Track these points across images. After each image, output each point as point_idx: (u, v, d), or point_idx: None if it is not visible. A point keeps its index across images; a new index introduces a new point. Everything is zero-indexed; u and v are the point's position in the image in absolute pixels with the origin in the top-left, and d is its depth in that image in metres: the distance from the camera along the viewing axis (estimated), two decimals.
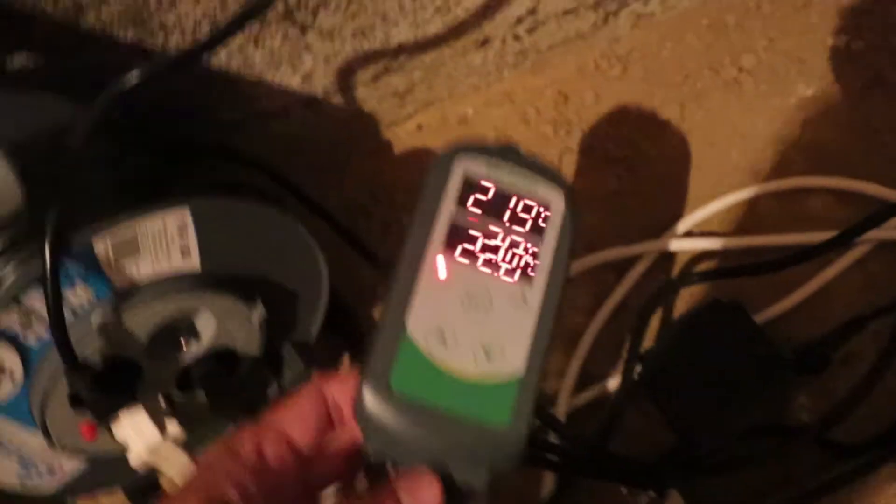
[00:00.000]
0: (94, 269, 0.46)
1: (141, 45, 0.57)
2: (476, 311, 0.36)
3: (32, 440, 0.53)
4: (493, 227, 0.37)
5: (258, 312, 0.54)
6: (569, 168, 0.71)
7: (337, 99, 0.69)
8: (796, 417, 0.61)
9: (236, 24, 0.42)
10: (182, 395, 0.56)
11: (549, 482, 0.61)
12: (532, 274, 0.37)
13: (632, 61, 0.72)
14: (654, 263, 0.67)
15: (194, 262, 0.50)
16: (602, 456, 0.58)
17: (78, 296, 0.47)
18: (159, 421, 0.53)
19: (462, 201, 0.37)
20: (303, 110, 0.69)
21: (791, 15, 0.71)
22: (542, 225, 0.38)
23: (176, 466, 0.55)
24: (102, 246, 0.46)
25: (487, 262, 0.37)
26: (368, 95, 0.70)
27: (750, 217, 0.66)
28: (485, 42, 0.69)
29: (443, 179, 0.38)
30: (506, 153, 0.39)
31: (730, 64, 0.70)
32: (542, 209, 0.38)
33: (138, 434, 0.53)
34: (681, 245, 0.66)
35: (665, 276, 0.66)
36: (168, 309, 0.49)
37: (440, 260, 0.36)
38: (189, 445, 0.58)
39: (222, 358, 0.55)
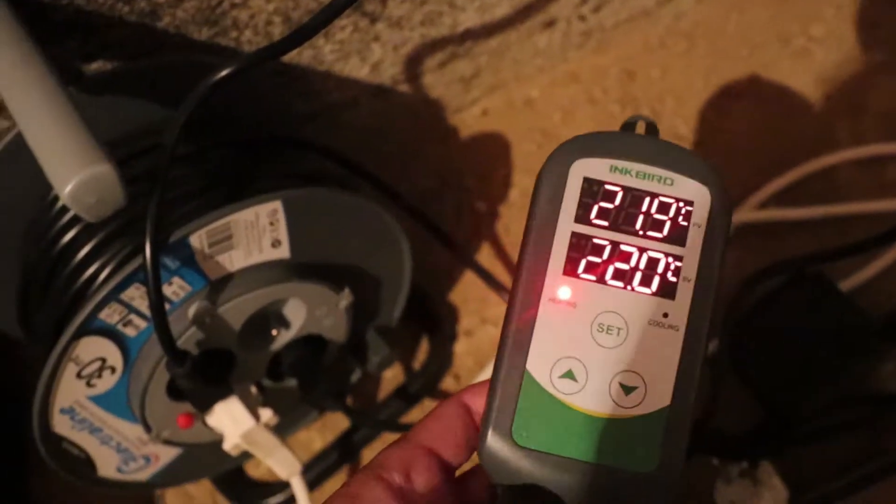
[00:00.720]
0: (189, 262, 0.47)
1: (215, 44, 0.58)
2: (609, 337, 0.31)
3: (130, 430, 0.55)
4: (623, 237, 0.32)
5: (346, 299, 0.54)
6: None
7: (404, 87, 0.70)
8: (885, 386, 0.61)
9: (323, 18, 0.42)
10: (272, 383, 0.58)
11: None
12: (675, 286, 0.31)
13: (697, 36, 0.72)
14: (733, 236, 0.67)
15: (285, 251, 0.51)
16: (702, 432, 0.58)
17: (174, 289, 0.48)
18: (252, 408, 0.55)
19: (584, 209, 0.32)
20: (371, 100, 0.70)
21: None
22: (685, 225, 0.32)
23: (268, 450, 0.56)
24: (198, 239, 0.47)
25: (619, 276, 0.31)
26: (435, 82, 0.71)
27: (828, 186, 0.66)
28: (550, 23, 0.69)
29: (558, 187, 0.32)
30: (634, 142, 0.32)
31: (798, 33, 0.69)
32: (683, 206, 0.32)
33: (233, 421, 0.54)
34: (756, 216, 0.66)
35: (744, 250, 0.66)
36: (261, 299, 0.50)
37: (561, 282, 0.31)
38: (280, 430, 0.59)
39: (310, 344, 0.57)
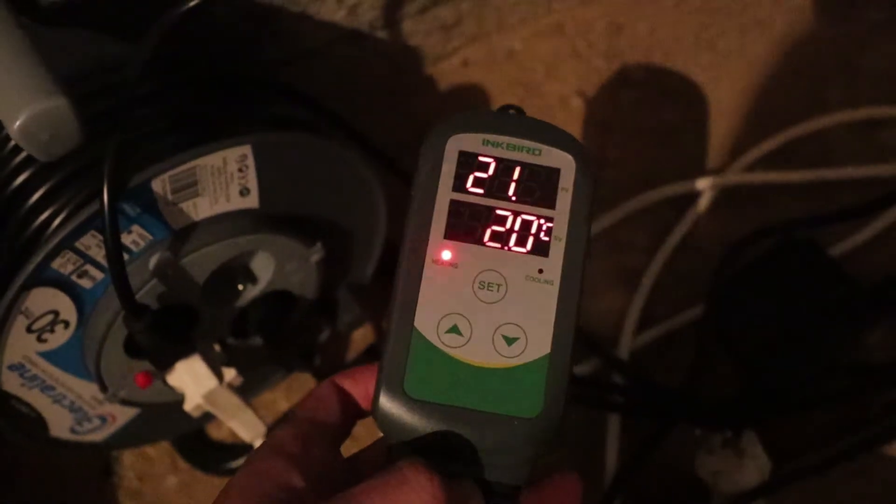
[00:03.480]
0: (151, 209, 0.44)
1: None
2: (490, 293, 0.33)
3: (85, 389, 0.51)
4: (498, 202, 0.34)
5: (317, 253, 0.51)
6: (623, 102, 0.68)
7: (382, 34, 0.66)
8: (871, 356, 0.59)
9: None
10: (237, 341, 0.54)
11: (614, 425, 0.59)
12: (548, 245, 0.34)
13: None
14: (717, 199, 0.64)
15: (253, 201, 0.48)
16: (684, 399, 0.56)
17: (134, 238, 0.45)
18: (214, 367, 0.52)
19: (461, 179, 0.34)
20: (346, 46, 0.66)
21: None
22: (553, 189, 0.34)
23: (231, 411, 0.53)
24: (160, 185, 0.43)
25: (496, 237, 0.34)
26: (414, 29, 0.67)
27: (818, 149, 0.64)
28: None
29: (437, 160, 0.34)
30: (504, 119, 0.35)
31: None
32: (551, 175, 0.34)
33: (194, 381, 0.51)
34: (744, 179, 0.64)
35: (730, 214, 0.64)
36: (227, 251, 0.47)
37: (443, 245, 0.34)
38: (244, 391, 0.56)
39: (278, 301, 0.54)
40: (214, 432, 0.66)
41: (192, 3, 0.40)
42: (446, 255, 0.34)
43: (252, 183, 0.47)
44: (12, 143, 0.47)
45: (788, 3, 0.67)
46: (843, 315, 0.57)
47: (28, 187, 0.46)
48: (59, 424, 0.52)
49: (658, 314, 0.64)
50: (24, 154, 0.47)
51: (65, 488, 0.69)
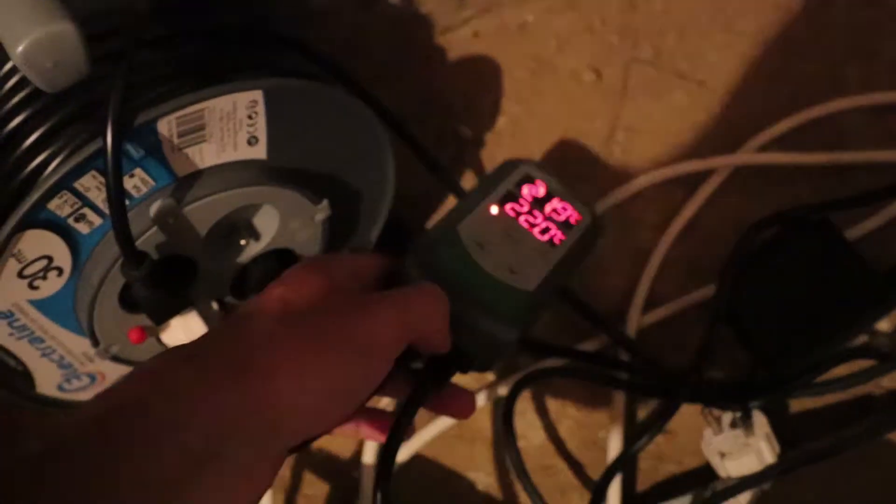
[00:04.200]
0: (155, 152, 0.42)
1: None
2: (511, 243, 0.49)
3: (76, 344, 0.50)
4: (536, 208, 0.52)
5: (323, 211, 0.50)
6: (636, 80, 0.67)
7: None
8: (878, 342, 0.58)
9: None
10: (236, 300, 0.53)
11: (618, 402, 0.58)
12: (556, 245, 0.50)
13: None
14: (728, 179, 0.63)
15: (261, 151, 0.46)
16: (691, 378, 0.54)
17: (136, 182, 0.43)
18: (212, 325, 0.50)
19: (519, 185, 0.52)
20: (357, 10, 0.65)
21: None
22: (572, 224, 0.52)
23: None
24: (167, 127, 0.41)
25: (527, 222, 0.51)
26: None
27: (832, 132, 0.62)
28: None
29: (509, 171, 0.53)
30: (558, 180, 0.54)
31: None
32: (574, 215, 0.52)
33: (190, 338, 0.49)
34: (756, 159, 0.63)
35: (741, 194, 0.62)
36: (232, 201, 0.45)
37: (494, 207, 0.50)
38: None
39: (281, 260, 0.52)
40: None
41: None
42: (494, 210, 0.50)
43: (261, 132, 0.45)
44: (11, 81, 0.45)
45: None
46: (857, 299, 0.56)
47: (28, 125, 0.44)
48: (47, 380, 0.51)
49: (666, 293, 0.62)
50: (24, 92, 0.45)
51: None
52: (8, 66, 0.44)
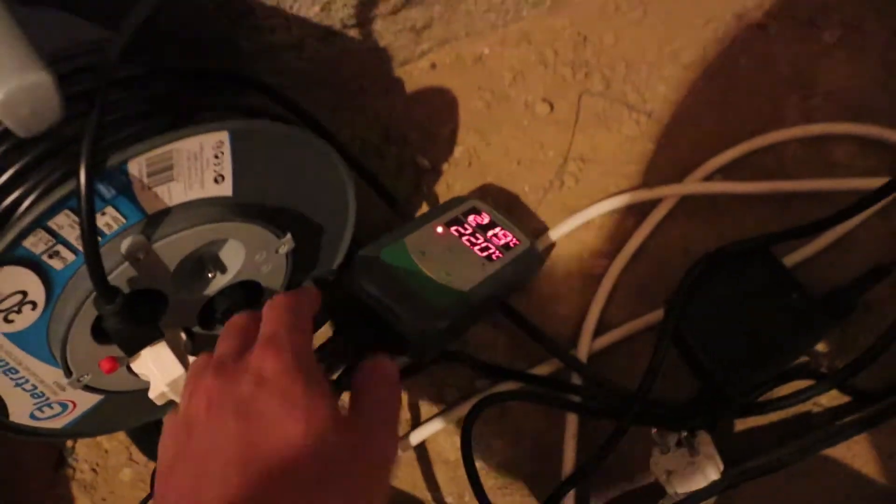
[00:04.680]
0: (126, 191, 0.44)
1: None
2: (451, 254, 0.58)
3: (48, 374, 0.51)
4: (477, 232, 0.61)
5: (287, 244, 0.52)
6: (587, 111, 0.70)
7: (353, 32, 0.67)
8: (816, 363, 0.61)
9: None
10: (203, 330, 0.54)
11: (571, 424, 0.60)
12: (493, 261, 0.59)
13: (653, 3, 0.71)
14: (676, 207, 0.66)
15: (227, 189, 0.48)
16: (640, 400, 0.57)
17: (107, 220, 0.45)
18: (180, 355, 0.51)
19: (466, 214, 0.63)
20: (317, 43, 0.67)
21: None
22: (511, 247, 0.61)
23: None
24: (137, 167, 0.43)
25: (468, 241, 0.60)
26: (385, 29, 0.68)
27: (774, 162, 0.66)
28: None
29: (458, 203, 0.64)
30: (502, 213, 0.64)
31: (754, 8, 0.69)
32: (513, 241, 0.62)
33: (160, 368, 0.51)
34: (702, 188, 0.66)
35: (688, 222, 0.65)
36: (200, 237, 0.47)
37: (440, 227, 0.60)
38: None
39: (246, 291, 0.54)
40: None
41: None
42: (440, 230, 0.60)
43: (227, 170, 0.47)
44: None
45: (747, 20, 0.69)
46: (796, 324, 0.59)
47: (0, 165, 0.46)
48: (20, 409, 0.52)
49: (617, 318, 0.65)
50: None
51: (17, 480, 0.68)
52: None
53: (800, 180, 0.65)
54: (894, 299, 0.61)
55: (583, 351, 0.63)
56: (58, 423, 0.55)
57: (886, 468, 0.60)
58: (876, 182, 0.55)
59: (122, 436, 0.68)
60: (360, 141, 0.71)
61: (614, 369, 0.64)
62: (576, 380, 0.62)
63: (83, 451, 0.69)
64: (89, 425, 0.57)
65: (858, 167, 0.64)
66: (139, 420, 0.61)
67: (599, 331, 0.64)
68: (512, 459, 0.64)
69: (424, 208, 0.70)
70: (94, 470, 0.68)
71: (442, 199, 0.71)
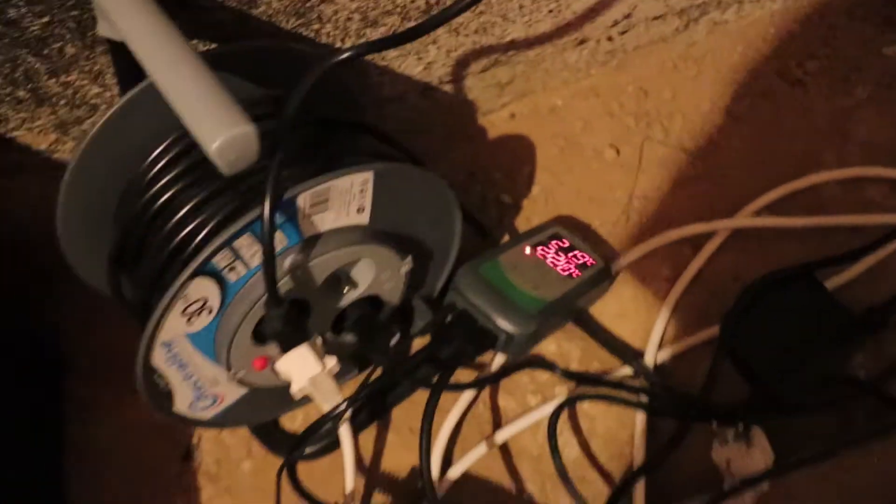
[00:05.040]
0: (292, 219, 0.55)
1: (297, 34, 0.66)
2: (537, 271, 0.70)
3: (209, 370, 0.61)
4: (559, 253, 0.73)
5: (407, 265, 0.62)
6: (649, 155, 0.80)
7: (447, 87, 0.78)
8: (856, 372, 0.70)
9: (436, 21, 0.50)
10: (333, 336, 0.65)
11: (640, 421, 0.70)
12: (573, 278, 0.71)
13: (706, 63, 0.82)
14: (727, 239, 0.76)
15: (365, 218, 0.59)
16: (703, 402, 0.67)
17: (277, 241, 0.55)
18: (319, 356, 0.62)
19: (549, 239, 0.74)
20: (417, 97, 0.78)
21: (847, 25, 0.81)
22: (587, 266, 0.72)
23: (328, 396, 0.63)
24: (303, 200, 0.54)
25: (552, 262, 0.72)
26: (474, 85, 0.79)
27: (814, 201, 0.75)
28: (582, 41, 0.78)
29: (542, 229, 0.75)
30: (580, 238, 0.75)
31: (795, 67, 0.79)
32: (589, 261, 0.73)
33: (302, 366, 0.61)
34: (751, 223, 0.76)
35: (739, 252, 0.75)
36: (344, 257, 0.58)
37: (528, 248, 0.72)
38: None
39: (370, 305, 0.64)
40: (288, 423, 0.76)
41: (343, 56, 0.51)
42: (528, 251, 0.72)
43: (367, 203, 0.58)
44: (160, 164, 0.58)
45: (789, 77, 0.79)
46: (836, 338, 0.68)
47: (176, 201, 0.57)
48: (183, 400, 0.62)
49: (677, 334, 0.75)
50: (173, 172, 0.58)
51: (148, 471, 0.79)
52: (157, 150, 0.58)
53: (837, 216, 0.74)
54: None
55: (650, 360, 0.73)
56: (207, 414, 0.65)
57: None
58: None
59: (242, 433, 0.79)
60: (450, 181, 0.82)
61: (677, 377, 0.73)
62: (644, 384, 0.72)
63: (207, 446, 0.79)
64: (231, 417, 0.67)
65: (889, 205, 0.74)
66: (270, 414, 0.71)
67: (663, 344, 0.74)
68: (587, 455, 0.74)
69: (506, 238, 0.81)
70: (217, 462, 0.79)
71: (521, 231, 0.81)
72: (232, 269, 0.55)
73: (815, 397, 0.68)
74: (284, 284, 0.56)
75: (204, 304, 0.56)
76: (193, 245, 0.56)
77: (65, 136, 0.70)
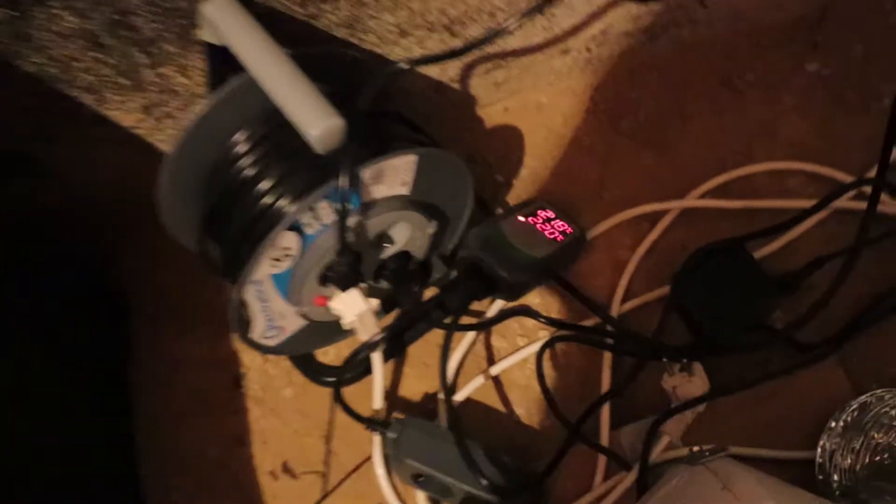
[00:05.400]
0: (356, 188, 0.72)
1: (346, 41, 0.82)
2: (529, 234, 0.88)
3: (280, 305, 0.78)
4: (545, 222, 0.91)
5: (432, 227, 0.80)
6: (617, 145, 0.99)
7: (456, 85, 0.96)
8: (774, 323, 0.90)
9: (480, 41, 0.68)
10: (374, 283, 0.82)
11: (607, 359, 0.89)
12: (557, 241, 0.89)
13: (665, 71, 1.00)
14: (678, 216, 0.95)
15: (406, 189, 0.76)
16: (656, 344, 0.86)
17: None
18: (364, 297, 0.79)
19: (536, 209, 0.92)
20: (432, 92, 0.95)
21: (779, 45, 1.00)
22: (567, 233, 0.91)
23: (369, 328, 0.80)
24: (367, 174, 0.71)
25: (542, 226, 0.90)
26: (477, 84, 0.97)
27: (747, 187, 0.95)
28: (566, 51, 0.96)
29: (530, 203, 0.94)
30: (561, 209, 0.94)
31: (735, 77, 0.98)
32: (568, 229, 0.91)
33: (353, 305, 0.78)
34: (697, 203, 0.95)
35: (686, 226, 0.95)
36: (391, 218, 0.75)
37: (521, 217, 0.90)
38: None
39: (402, 258, 0.82)
40: (321, 356, 0.93)
41: (403, 66, 0.68)
42: (521, 219, 0.89)
43: (410, 178, 0.75)
44: (247, 144, 0.75)
45: (731, 86, 0.98)
46: (760, 296, 0.88)
47: (259, 175, 0.73)
48: (257, 329, 0.79)
49: (636, 291, 0.94)
50: (257, 155, 0.75)
51: (202, 397, 0.95)
52: (246, 135, 0.74)
53: (764, 199, 0.94)
54: (826, 282, 0.90)
55: (614, 311, 0.92)
56: (272, 342, 0.82)
57: (816, 396, 0.89)
58: (814, 202, 0.85)
59: (283, 365, 0.95)
60: None
61: (636, 325, 0.92)
62: (610, 330, 0.91)
63: (253, 375, 0.96)
64: (287, 346, 0.84)
65: (805, 192, 0.94)
66: (315, 346, 0.88)
67: (625, 299, 0.93)
68: (563, 385, 0.93)
69: (500, 211, 0.98)
70: (262, 389, 0.96)
71: (512, 205, 0.99)
72: (310, 225, 0.72)
73: (741, 342, 0.87)
74: (348, 238, 0.73)
75: (287, 251, 0.73)
76: (284, 206, 0.72)
77: (148, 116, 0.85)
